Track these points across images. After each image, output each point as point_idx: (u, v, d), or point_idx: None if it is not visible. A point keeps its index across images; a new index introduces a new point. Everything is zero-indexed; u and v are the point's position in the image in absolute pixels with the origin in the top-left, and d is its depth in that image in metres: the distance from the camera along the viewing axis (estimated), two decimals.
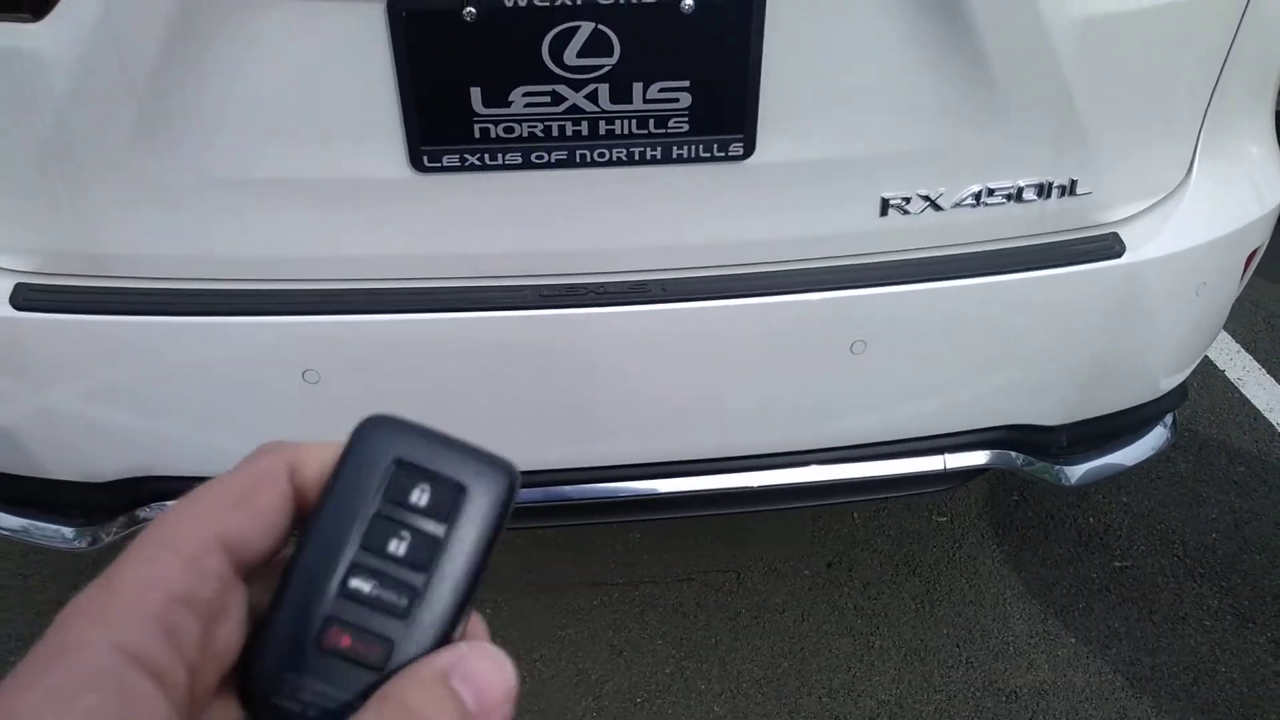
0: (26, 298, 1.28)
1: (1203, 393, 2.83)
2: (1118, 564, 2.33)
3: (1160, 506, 2.47)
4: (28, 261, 1.30)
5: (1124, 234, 1.46)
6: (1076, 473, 1.66)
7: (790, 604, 2.21)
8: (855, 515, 2.42)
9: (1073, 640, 2.15)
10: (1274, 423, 2.74)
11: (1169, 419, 1.82)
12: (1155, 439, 1.79)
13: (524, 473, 1.30)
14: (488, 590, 2.19)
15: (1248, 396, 2.83)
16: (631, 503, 1.52)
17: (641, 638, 2.14)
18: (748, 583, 2.25)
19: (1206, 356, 2.96)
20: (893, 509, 2.44)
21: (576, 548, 2.29)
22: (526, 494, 1.49)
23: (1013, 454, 1.66)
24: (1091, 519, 2.43)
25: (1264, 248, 1.68)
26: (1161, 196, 1.48)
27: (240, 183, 1.24)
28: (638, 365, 1.39)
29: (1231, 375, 2.91)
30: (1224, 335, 3.07)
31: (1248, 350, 3.01)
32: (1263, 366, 2.94)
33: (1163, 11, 1.28)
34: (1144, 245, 1.45)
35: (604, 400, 1.42)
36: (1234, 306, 3.16)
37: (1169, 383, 1.68)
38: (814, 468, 1.53)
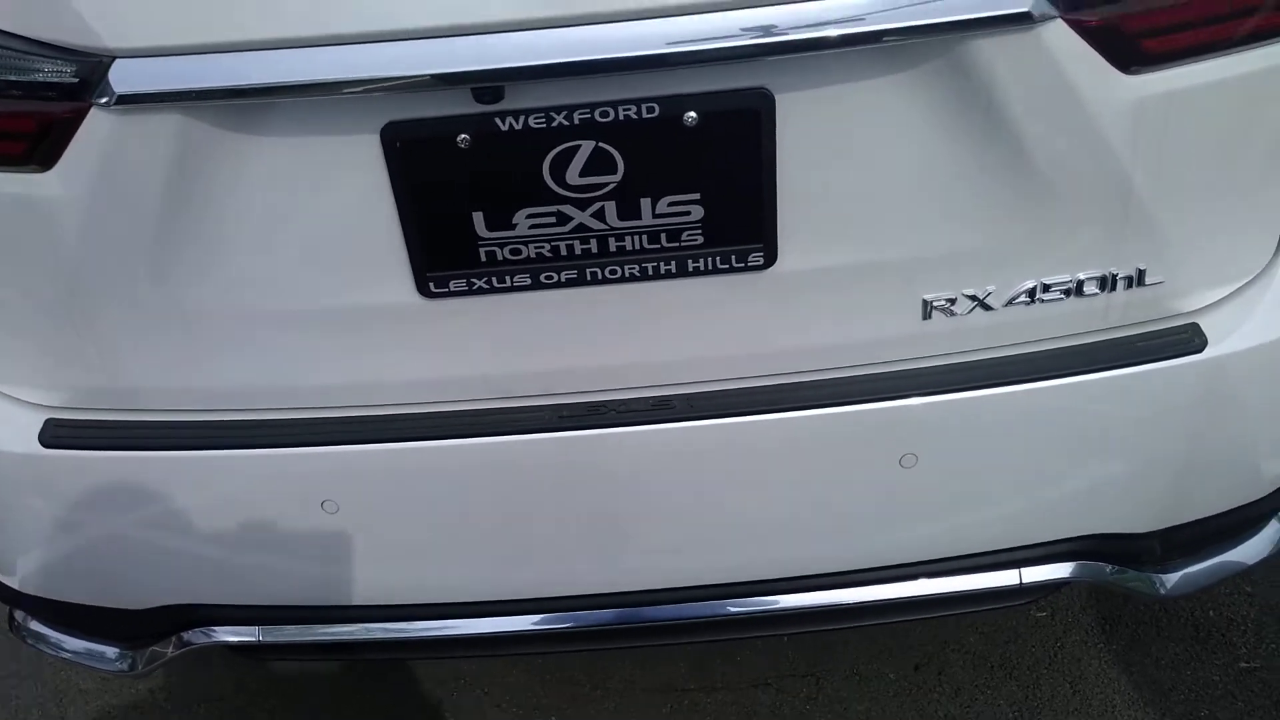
0: (54, 434, 1.30)
1: None
2: (1244, 665, 2.10)
3: None
4: (57, 397, 1.32)
5: (1205, 324, 1.32)
6: (1172, 580, 1.50)
7: (874, 712, 2.06)
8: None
9: None
10: None
11: None
12: (1269, 538, 1.61)
13: (553, 599, 1.24)
14: (550, 697, 2.12)
15: None
16: (671, 627, 1.44)
17: None
18: (827, 689, 2.11)
19: None
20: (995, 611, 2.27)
21: (646, 653, 2.19)
22: (556, 619, 1.43)
23: (1101, 565, 1.51)
24: (1211, 613, 2.21)
25: None
26: (1245, 281, 1.33)
27: (251, 314, 1.23)
28: (665, 486, 1.32)
29: None
30: None
31: None
32: None
33: (1226, 86, 1.16)
34: (1229, 337, 1.31)
35: (633, 523, 1.35)
36: None
37: (1276, 478, 1.51)
38: (869, 587, 1.42)
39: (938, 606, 1.46)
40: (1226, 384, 1.32)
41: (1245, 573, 2.24)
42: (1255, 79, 1.18)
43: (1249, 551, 1.59)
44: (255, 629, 1.49)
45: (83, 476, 1.33)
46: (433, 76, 1.04)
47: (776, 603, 1.44)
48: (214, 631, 1.51)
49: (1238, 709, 2.01)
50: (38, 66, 1.05)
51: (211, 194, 1.14)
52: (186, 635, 1.54)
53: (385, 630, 1.47)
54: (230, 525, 1.36)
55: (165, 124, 1.08)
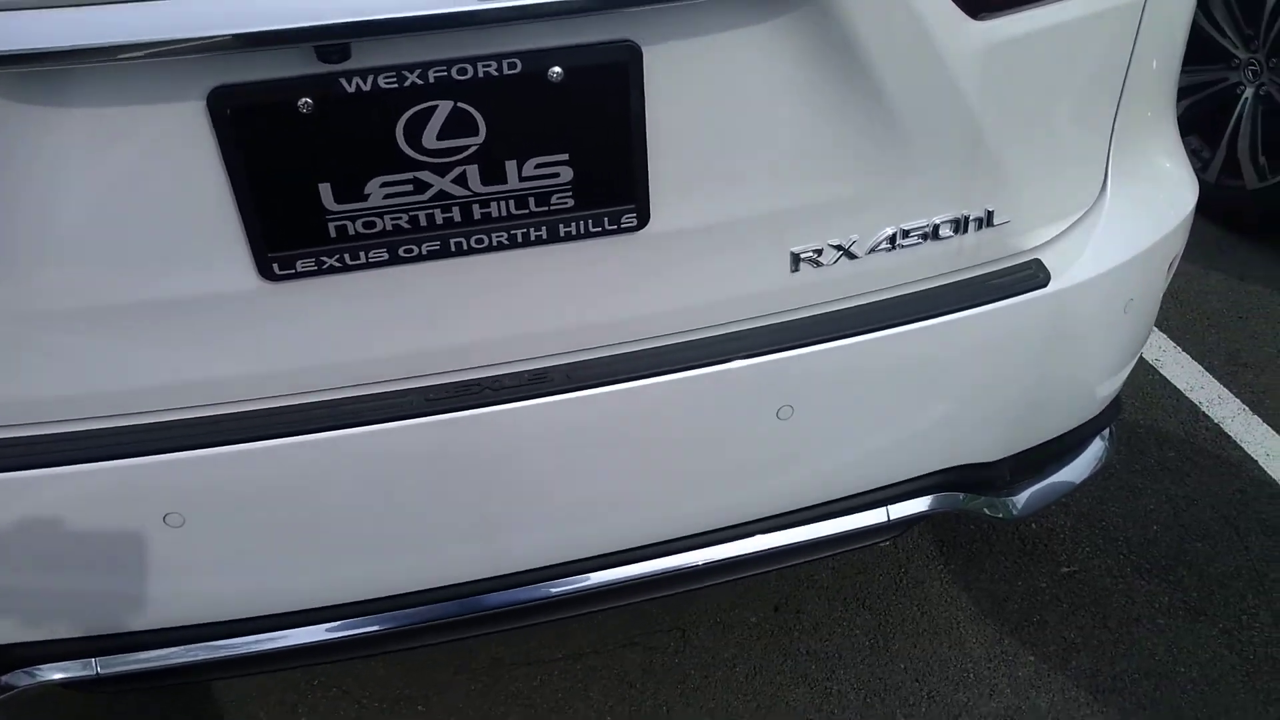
0: None
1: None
2: (1065, 570, 2.27)
3: (1099, 504, 2.42)
4: None
5: (1047, 260, 1.38)
6: (1020, 501, 1.59)
7: (740, 656, 2.10)
8: None
9: (1031, 658, 2.09)
10: (1196, 402, 2.73)
11: (1106, 431, 1.76)
12: (1094, 454, 1.73)
13: (438, 589, 1.16)
14: (414, 685, 2.03)
15: (1167, 377, 2.82)
16: (565, 601, 1.39)
17: (587, 715, 2.00)
18: (694, 640, 2.13)
19: None
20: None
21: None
22: (444, 609, 1.35)
23: (957, 494, 1.57)
24: (1033, 525, 2.38)
25: (1181, 253, 1.63)
26: (1079, 215, 1.40)
27: (69, 314, 1.08)
28: (547, 461, 1.26)
29: (1149, 356, 2.89)
30: None
31: (1160, 329, 3.00)
32: (1178, 345, 2.94)
33: (1061, 30, 1.21)
34: (1068, 270, 1.38)
35: (515, 503, 1.29)
36: None
37: (1105, 399, 1.62)
38: (755, 538, 1.42)
39: (816, 549, 1.49)
40: (1067, 316, 1.39)
41: (1071, 491, 2.44)
42: (1084, 23, 1.24)
43: (1080, 468, 1.70)
44: (93, 661, 1.33)
45: None
46: (269, 34, 0.92)
47: (667, 564, 1.41)
48: (40, 670, 1.34)
49: (1063, 610, 2.18)
50: None
51: (9, 175, 0.98)
52: (6, 678, 1.35)
53: (243, 646, 1.35)
54: (58, 551, 1.20)
55: None
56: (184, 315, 1.11)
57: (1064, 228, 1.40)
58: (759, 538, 1.43)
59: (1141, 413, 2.70)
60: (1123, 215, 1.44)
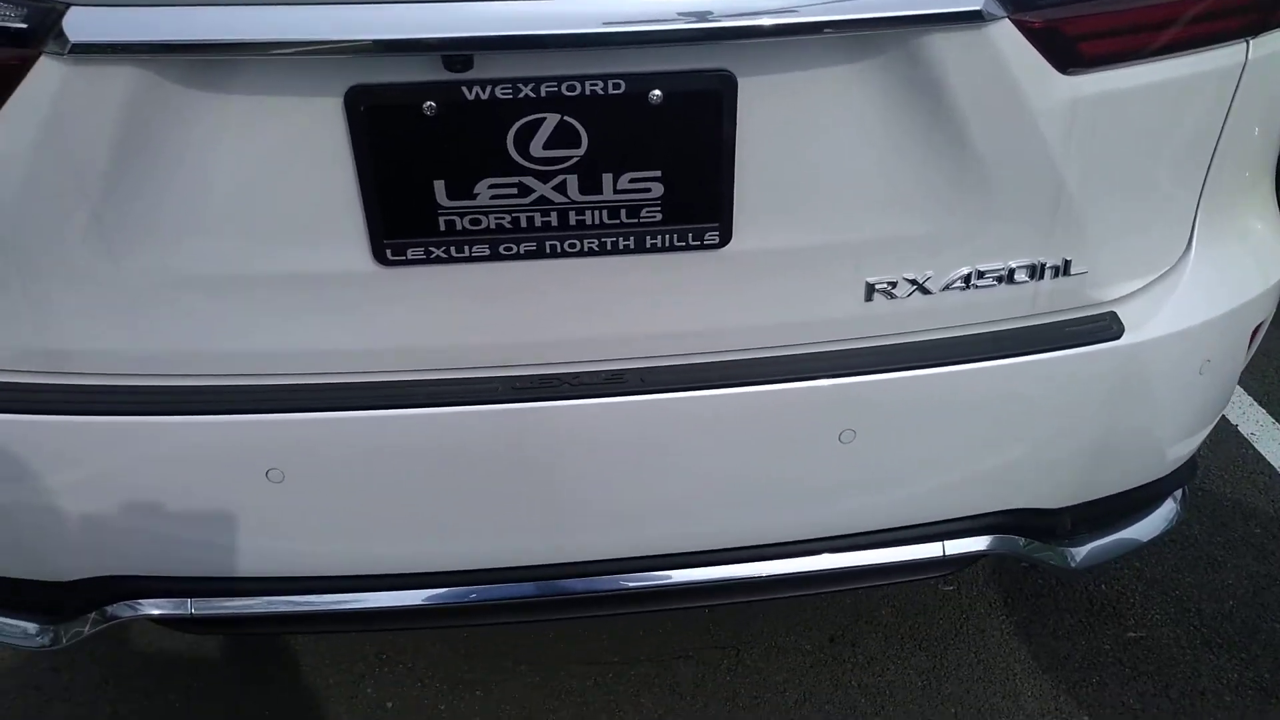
0: None
1: (1215, 450, 2.74)
2: (1131, 634, 2.24)
3: (1174, 572, 2.38)
4: None
5: (1122, 313, 1.40)
6: (1081, 553, 1.60)
7: (791, 682, 2.13)
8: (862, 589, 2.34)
9: (1085, 718, 2.07)
10: None
11: (1179, 493, 1.76)
12: (1164, 515, 1.72)
13: (502, 569, 1.25)
14: (476, 670, 2.12)
15: (1262, 453, 2.74)
16: (617, 597, 1.47)
17: None
18: (747, 660, 2.17)
19: None
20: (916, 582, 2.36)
21: (574, 625, 2.22)
22: (508, 589, 1.44)
23: (1016, 539, 1.59)
24: (1104, 587, 2.35)
25: (1269, 320, 1.63)
26: (1160, 273, 1.42)
27: (199, 279, 1.20)
28: (616, 457, 1.34)
29: (1245, 431, 2.83)
30: (1237, 389, 2.99)
31: (1261, 405, 2.93)
32: (1276, 421, 2.86)
33: (1152, 91, 1.24)
34: (1144, 325, 1.40)
35: (583, 494, 1.37)
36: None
37: (1177, 459, 1.62)
38: (806, 558, 1.47)
39: (869, 576, 1.52)
40: (1138, 370, 1.41)
41: (1133, 551, 2.40)
42: (1177, 85, 1.27)
43: (1147, 528, 1.70)
44: (187, 602, 1.45)
45: (12, 442, 1.27)
46: (403, 41, 1.04)
47: (724, 573, 1.47)
48: (141, 605, 1.47)
49: (1124, 674, 2.15)
50: None
51: (163, 152, 1.11)
52: (111, 609, 1.49)
53: (324, 603, 1.46)
54: (167, 494, 1.33)
55: (119, 77, 1.05)
56: (302, 290, 1.22)
57: (1144, 283, 1.42)
58: (813, 558, 1.48)
59: (1230, 485, 2.64)
60: (1206, 277, 1.45)
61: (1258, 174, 1.49)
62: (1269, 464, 2.71)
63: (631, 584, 1.46)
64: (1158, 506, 1.71)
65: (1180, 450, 1.60)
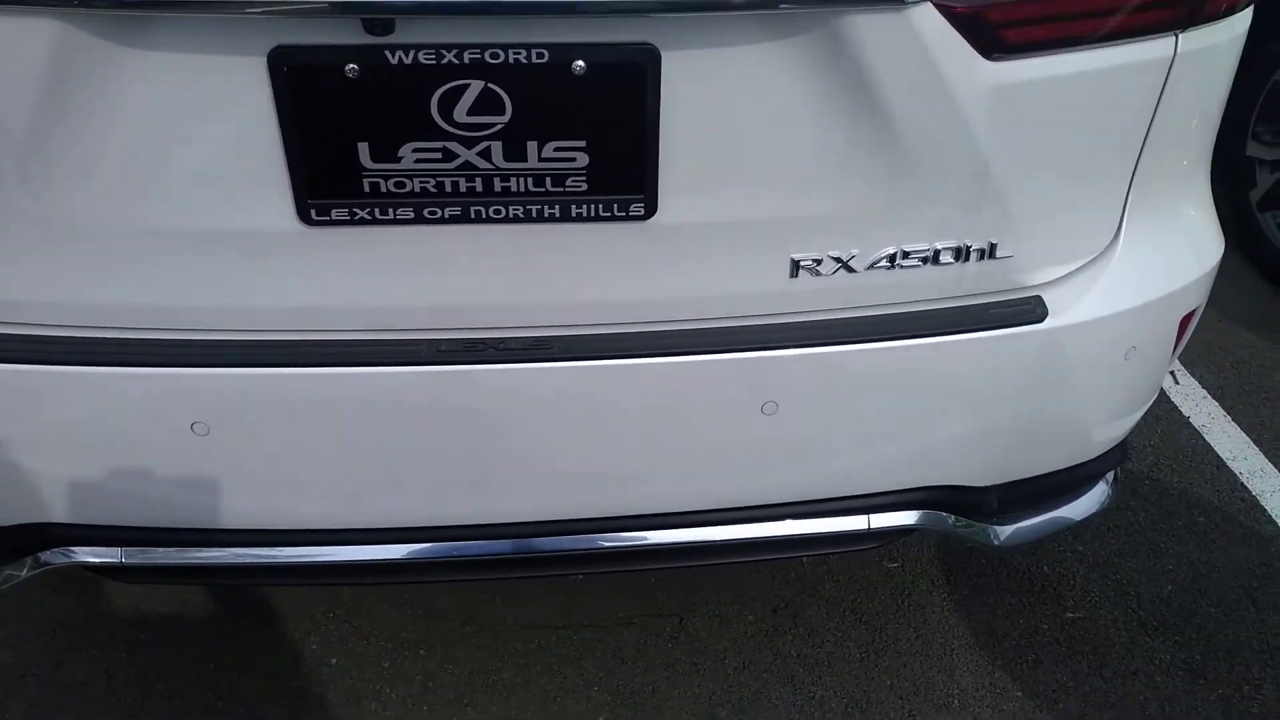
0: None
1: (1166, 439, 2.78)
2: (1070, 615, 2.28)
3: (1116, 556, 2.42)
4: None
5: (1048, 298, 1.42)
6: (1005, 532, 1.63)
7: (732, 650, 2.17)
8: (805, 561, 2.38)
9: (1019, 694, 2.11)
10: (1237, 472, 2.69)
11: (1110, 476, 1.79)
12: (1095, 498, 1.75)
13: (421, 529, 1.27)
14: (421, 631, 2.15)
15: (1211, 444, 2.78)
16: (530, 559, 1.49)
17: (577, 684, 2.09)
18: (690, 628, 2.21)
19: (1172, 402, 2.92)
20: (844, 554, 2.39)
21: (514, 591, 2.25)
22: (424, 549, 1.47)
23: (944, 515, 1.62)
24: (1045, 568, 2.39)
25: (1202, 308, 1.65)
26: (1088, 260, 1.44)
27: (125, 231, 1.22)
28: (539, 423, 1.36)
29: (1196, 422, 2.86)
30: (1190, 381, 3.03)
31: (1214, 397, 2.96)
32: (1228, 414, 2.90)
33: (1079, 79, 1.25)
34: (1068, 310, 1.42)
35: (504, 457, 1.39)
36: (1203, 351, 3.12)
37: (1105, 443, 1.64)
38: (729, 526, 1.50)
39: (792, 547, 1.55)
40: (1061, 354, 1.43)
41: (1077, 532, 2.44)
42: (1105, 75, 1.28)
43: (1076, 510, 1.73)
44: (118, 550, 1.48)
45: None
46: (324, 3, 1.04)
47: (643, 538, 1.50)
48: (73, 552, 1.49)
49: (1060, 653, 2.19)
50: None
51: (87, 105, 1.12)
52: (44, 555, 1.51)
53: (253, 555, 1.48)
54: (96, 444, 1.34)
55: (40, 29, 1.06)
56: (229, 247, 1.24)
57: (1071, 269, 1.44)
58: (737, 526, 1.51)
59: (1178, 475, 2.68)
60: (1134, 264, 1.47)
61: (1191, 164, 1.51)
62: (1217, 455, 2.75)
63: (549, 547, 1.48)
64: (1088, 489, 1.74)
65: (1108, 434, 1.62)
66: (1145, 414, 2.78)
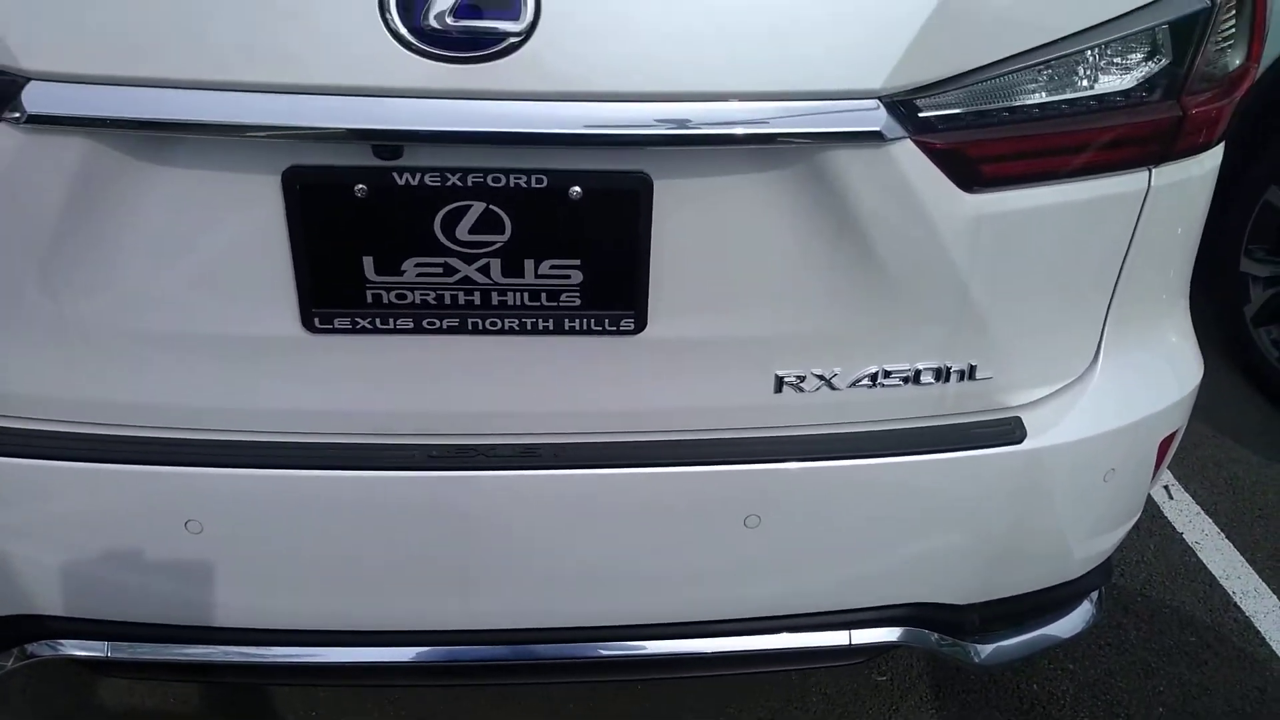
0: None
1: (1158, 556, 2.79)
2: None
3: (1107, 675, 2.40)
4: None
5: (1027, 419, 1.46)
6: (985, 650, 1.63)
7: None
8: (793, 671, 2.36)
9: None
10: (1229, 591, 2.68)
11: (1094, 595, 1.79)
12: (1078, 618, 1.76)
13: (409, 633, 1.28)
14: None
15: (1204, 561, 2.78)
16: (514, 666, 1.50)
17: None
18: None
19: (1165, 518, 2.93)
20: (829, 668, 2.38)
21: (502, 696, 2.23)
22: (411, 653, 1.48)
23: (926, 632, 1.63)
24: (1035, 686, 2.37)
25: (1182, 430, 1.68)
26: (1067, 382, 1.49)
27: (134, 333, 1.27)
28: (526, 529, 1.39)
29: (1190, 539, 2.86)
30: (1185, 497, 3.04)
31: (1208, 513, 2.97)
32: (1222, 531, 2.90)
33: (1056, 211, 1.31)
34: (1047, 431, 1.45)
35: (492, 563, 1.41)
36: (1196, 468, 3.14)
37: (1085, 562, 1.66)
38: (708, 639, 1.51)
39: (773, 661, 1.56)
40: (1040, 475, 1.47)
41: (1068, 649, 2.42)
42: (1081, 206, 1.34)
43: (1059, 629, 1.73)
44: (104, 644, 1.49)
45: None
46: (333, 131, 1.11)
47: (622, 649, 1.51)
48: (61, 645, 1.50)
49: None
50: None
51: (109, 215, 1.18)
52: (31, 647, 1.52)
53: (238, 654, 1.49)
54: (88, 538, 1.37)
55: (71, 146, 1.12)
56: (233, 351, 1.29)
57: (1049, 391, 1.48)
58: (718, 639, 1.52)
59: (1170, 592, 2.67)
60: (1112, 387, 1.51)
61: (1169, 290, 1.56)
62: (1210, 573, 2.75)
63: (536, 654, 1.49)
64: (1071, 608, 1.74)
65: (1088, 554, 1.64)
66: (1138, 529, 2.81)
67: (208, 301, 1.24)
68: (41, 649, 1.51)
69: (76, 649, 1.50)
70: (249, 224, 1.20)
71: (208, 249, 1.22)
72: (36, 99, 1.08)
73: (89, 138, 1.12)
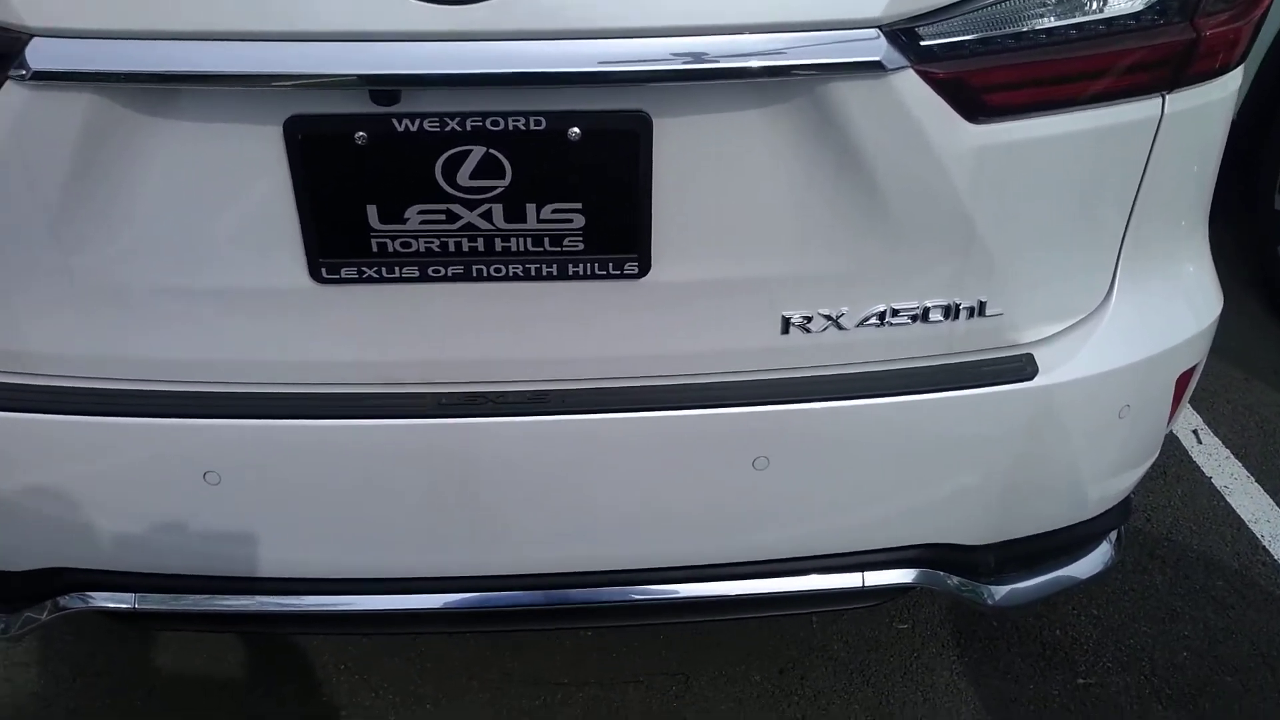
0: None
1: (1186, 500, 2.76)
2: (1081, 681, 2.25)
3: (1131, 620, 2.39)
4: None
5: (1039, 356, 1.45)
6: (999, 593, 1.63)
7: (737, 712, 2.16)
8: (814, 620, 2.38)
9: None
10: (1259, 535, 2.66)
11: (1113, 536, 1.79)
12: (1097, 558, 1.75)
13: (421, 579, 1.31)
14: (429, 685, 2.17)
15: (1233, 506, 2.75)
16: (527, 612, 1.52)
17: None
18: (695, 688, 2.21)
19: (1194, 462, 2.90)
20: (854, 615, 2.39)
21: (524, 644, 2.26)
22: (421, 600, 1.50)
23: (941, 574, 1.63)
24: (1058, 632, 2.36)
25: (1201, 365, 1.66)
26: (1080, 318, 1.47)
27: (146, 288, 1.28)
28: (537, 475, 1.40)
29: (1219, 483, 2.84)
30: (1214, 441, 3.01)
31: (1238, 457, 2.93)
32: (1251, 475, 2.87)
33: (1065, 140, 1.29)
34: (1059, 367, 1.44)
35: (502, 508, 1.43)
36: (1226, 411, 3.10)
37: (1102, 502, 1.65)
38: (722, 583, 1.52)
39: (787, 604, 1.56)
40: (1052, 412, 1.45)
41: (1091, 594, 2.42)
42: (1091, 136, 1.31)
43: (1077, 571, 1.73)
44: (131, 596, 1.52)
45: None
46: (333, 77, 1.12)
47: (635, 593, 1.53)
48: (90, 597, 1.54)
49: None
50: None
51: (116, 169, 1.19)
52: (62, 600, 1.56)
53: (260, 603, 1.52)
54: (111, 491, 1.40)
55: (76, 101, 1.13)
56: (243, 304, 1.30)
57: (1062, 327, 1.47)
58: (729, 582, 1.53)
59: (1198, 537, 2.65)
60: (1127, 322, 1.49)
61: (1188, 222, 1.53)
62: (1239, 517, 2.72)
63: (551, 600, 1.51)
64: (1089, 549, 1.74)
65: (1104, 493, 1.63)
66: (1165, 474, 2.78)
67: (217, 254, 1.26)
68: (72, 601, 1.55)
69: (105, 601, 1.54)
70: (254, 175, 1.21)
71: (215, 202, 1.23)
72: (41, 55, 1.09)
73: (93, 93, 1.13)
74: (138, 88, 1.14)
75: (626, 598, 1.54)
